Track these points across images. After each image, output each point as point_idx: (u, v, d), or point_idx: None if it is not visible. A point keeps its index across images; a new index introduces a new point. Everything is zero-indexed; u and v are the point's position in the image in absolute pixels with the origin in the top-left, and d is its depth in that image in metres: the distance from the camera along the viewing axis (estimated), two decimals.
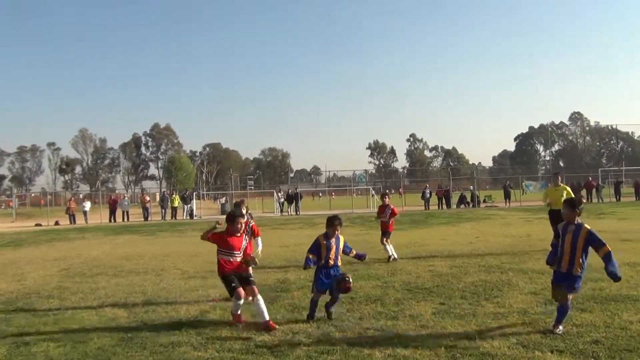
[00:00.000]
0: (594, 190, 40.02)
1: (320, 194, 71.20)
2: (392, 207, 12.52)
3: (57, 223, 34.23)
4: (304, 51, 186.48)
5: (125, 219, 35.19)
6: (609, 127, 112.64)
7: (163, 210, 36.95)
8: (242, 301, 6.59)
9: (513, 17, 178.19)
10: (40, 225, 33.95)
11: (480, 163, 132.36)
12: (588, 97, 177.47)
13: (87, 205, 37.45)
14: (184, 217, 36.22)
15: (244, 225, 7.25)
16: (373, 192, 42.44)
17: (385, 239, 12.33)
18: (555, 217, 11.76)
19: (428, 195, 38.68)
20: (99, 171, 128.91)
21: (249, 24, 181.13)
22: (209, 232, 7.01)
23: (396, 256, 11.95)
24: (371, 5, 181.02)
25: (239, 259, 6.88)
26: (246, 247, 7.09)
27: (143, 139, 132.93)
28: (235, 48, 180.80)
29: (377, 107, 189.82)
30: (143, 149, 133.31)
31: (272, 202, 42.98)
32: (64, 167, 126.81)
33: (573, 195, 11.33)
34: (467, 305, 7.24)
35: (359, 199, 44.29)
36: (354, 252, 7.61)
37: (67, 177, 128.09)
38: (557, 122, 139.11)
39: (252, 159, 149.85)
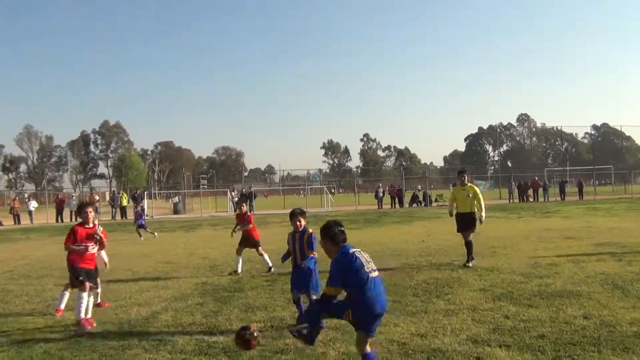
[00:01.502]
0: (540, 190, 41.41)
1: (267, 195, 70.96)
2: (249, 214, 11.07)
3: (0, 223, 32.90)
4: (260, 47, 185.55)
5: (73, 219, 34.12)
6: (554, 129, 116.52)
7: (113, 210, 36.23)
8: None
9: (465, 19, 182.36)
10: (1, 224, 32.57)
11: (432, 163, 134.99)
12: (535, 99, 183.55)
13: (33, 204, 36.16)
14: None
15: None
16: (327, 190, 42.62)
17: (257, 249, 10.72)
18: (462, 220, 10.84)
19: (381, 194, 39.15)
20: (45, 170, 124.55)
21: (201, 18, 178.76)
22: None
23: (272, 268, 10.38)
24: (326, 2, 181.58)
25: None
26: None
27: (92, 136, 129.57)
28: (187, 43, 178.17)
29: (331, 106, 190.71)
30: (92, 147, 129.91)
31: (226, 201, 42.56)
32: (7, 165, 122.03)
33: (480, 195, 10.85)
34: (419, 302, 7.35)
35: (312, 198, 44.36)
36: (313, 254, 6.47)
37: (11, 176, 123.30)
38: (505, 124, 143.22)
39: (205, 157, 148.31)
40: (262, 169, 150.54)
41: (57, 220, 34.14)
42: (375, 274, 4.57)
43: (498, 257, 11.29)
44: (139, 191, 39.82)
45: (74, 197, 38.40)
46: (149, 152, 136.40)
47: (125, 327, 6.65)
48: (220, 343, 5.79)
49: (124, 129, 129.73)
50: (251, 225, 10.84)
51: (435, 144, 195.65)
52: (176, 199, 43.67)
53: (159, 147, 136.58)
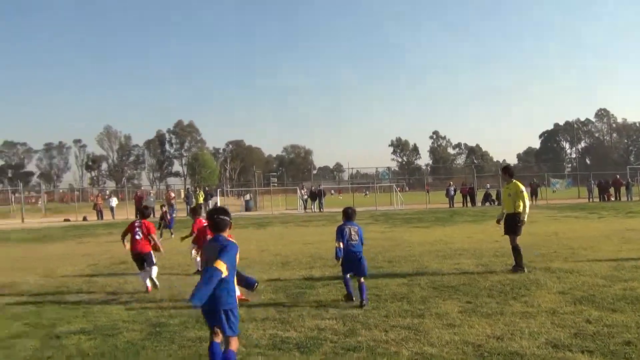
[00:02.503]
0: (622, 189, 39.31)
1: (334, 192, 71.10)
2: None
3: (85, 219, 34.80)
4: (327, 48, 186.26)
5: (152, 215, 35.54)
6: (637, 124, 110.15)
7: (188, 207, 37.32)
8: None
9: (538, 13, 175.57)
10: (68, 220, 34.52)
11: (504, 160, 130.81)
12: (614, 94, 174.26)
13: (114, 201, 37.99)
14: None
15: None
16: (395, 188, 42.27)
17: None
18: (505, 221, 9.99)
19: (452, 192, 38.39)
20: (125, 168, 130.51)
21: (273, 18, 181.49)
22: None
23: None
24: (395, 3, 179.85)
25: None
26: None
27: (167, 136, 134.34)
28: (257, 46, 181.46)
29: (400, 104, 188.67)
30: (167, 146, 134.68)
31: (296, 199, 43.05)
32: (90, 163, 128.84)
33: (524, 189, 9.88)
34: (495, 304, 7.17)
35: (381, 197, 44.14)
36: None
37: (93, 174, 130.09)
38: (582, 119, 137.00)
39: (274, 156, 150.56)
40: (331, 167, 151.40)
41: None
42: None
43: (578, 259, 10.81)
44: (208, 188, 40.94)
45: (152, 194, 39.95)
46: (221, 151, 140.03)
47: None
48: (294, 339, 5.88)
49: (197, 128, 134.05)
50: None
51: (508, 141, 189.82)
52: (247, 197, 44.55)
53: (230, 146, 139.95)
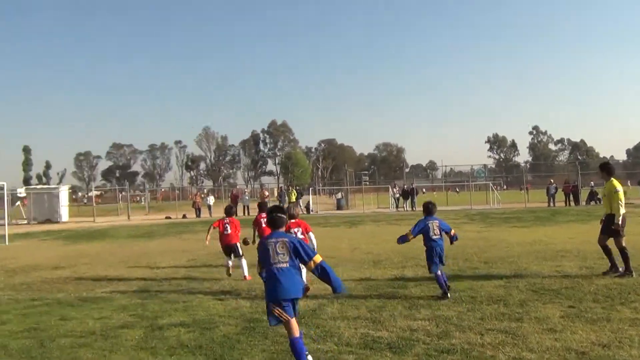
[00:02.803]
0: None
1: (425, 190, 69.74)
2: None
3: (184, 216, 36.55)
4: (418, 43, 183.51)
5: (246, 213, 36.64)
6: None
7: (281, 205, 38.25)
8: None
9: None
10: (169, 218, 36.42)
11: (612, 157, 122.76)
12: None
13: (211, 199, 39.63)
14: (300, 212, 37.17)
15: None
16: (492, 187, 40.90)
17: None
18: (604, 222, 9.44)
19: (553, 191, 36.53)
20: (221, 167, 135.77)
21: (360, 19, 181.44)
22: None
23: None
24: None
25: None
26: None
27: (261, 136, 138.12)
28: (352, 44, 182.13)
29: (496, 98, 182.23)
30: (261, 145, 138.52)
31: (387, 197, 42.83)
32: (189, 163, 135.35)
33: (619, 189, 9.10)
34: (600, 309, 6.75)
35: (477, 195, 42.88)
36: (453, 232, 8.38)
37: (192, 173, 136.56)
38: None
39: (366, 154, 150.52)
40: (424, 164, 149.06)
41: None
42: (282, 265, 4.96)
43: None
44: (298, 187, 41.67)
45: (247, 193, 41.21)
46: (313, 150, 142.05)
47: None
48: (385, 339, 5.85)
49: (289, 128, 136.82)
50: None
51: (616, 135, 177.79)
52: (339, 195, 44.87)
53: (322, 145, 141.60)
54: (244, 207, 36.92)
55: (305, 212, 36.81)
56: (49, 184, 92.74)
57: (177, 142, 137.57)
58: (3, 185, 24.60)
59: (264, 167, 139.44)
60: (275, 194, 51.88)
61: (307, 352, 4.91)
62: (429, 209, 8.21)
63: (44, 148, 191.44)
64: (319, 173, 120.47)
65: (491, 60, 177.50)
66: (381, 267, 10.97)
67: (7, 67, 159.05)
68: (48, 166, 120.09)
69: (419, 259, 11.27)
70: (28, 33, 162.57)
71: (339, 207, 41.22)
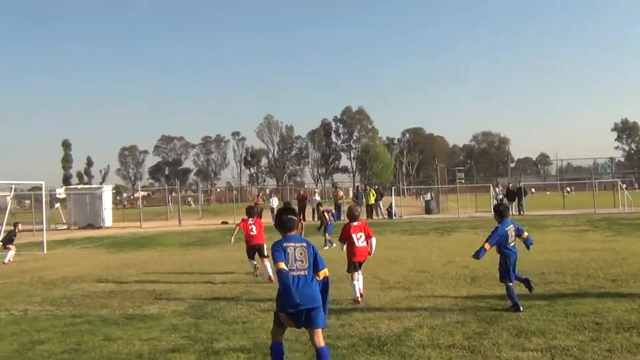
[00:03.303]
0: None
1: (534, 191, 67.78)
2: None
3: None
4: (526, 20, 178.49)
5: (316, 218, 36.72)
6: None
7: (359, 204, 38.16)
8: None
9: None
10: (226, 223, 37.18)
11: None
12: None
13: (275, 201, 40.10)
14: (379, 217, 36.99)
15: None
16: (621, 185, 39.20)
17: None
18: None
19: None
20: (286, 163, 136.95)
21: None
22: None
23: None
24: None
25: None
26: None
27: (333, 125, 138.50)
28: (438, 21, 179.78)
29: (624, 75, 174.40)
30: (333, 136, 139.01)
31: (488, 198, 41.94)
32: (249, 158, 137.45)
33: None
34: None
35: (601, 195, 41.24)
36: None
37: (252, 170, 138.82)
38: None
39: (461, 146, 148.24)
40: (534, 158, 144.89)
41: (299, 219, 37.18)
42: (300, 273, 5.48)
43: None
44: (378, 187, 41.39)
45: (316, 193, 41.45)
46: (396, 141, 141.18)
47: (375, 342, 6.97)
48: None
49: (367, 115, 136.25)
50: None
51: None
52: (428, 196, 44.38)
53: (407, 135, 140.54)
54: (313, 210, 36.91)
55: (386, 217, 36.66)
56: (90, 184, 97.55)
57: (235, 134, 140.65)
58: (41, 184, 25.98)
59: (336, 162, 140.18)
60: (351, 194, 52.02)
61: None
62: (503, 213, 8.74)
63: (85, 142, 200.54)
64: (403, 169, 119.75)
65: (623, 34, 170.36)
66: (480, 285, 10.76)
67: (44, 53, 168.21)
68: (89, 163, 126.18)
69: (530, 274, 10.96)
70: (73, 25, 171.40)
71: (427, 211, 40.74)
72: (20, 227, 21.01)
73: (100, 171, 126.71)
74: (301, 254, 5.52)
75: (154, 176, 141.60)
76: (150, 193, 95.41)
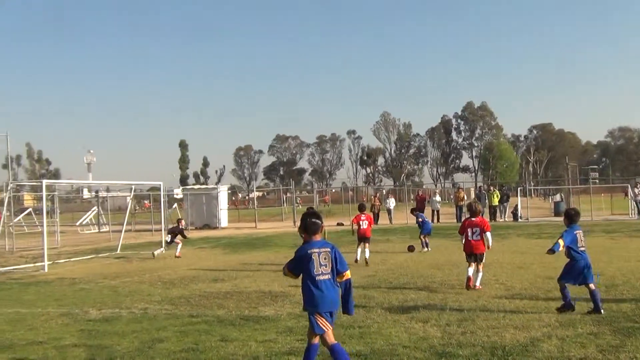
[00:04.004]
0: None
1: None
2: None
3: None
4: None
5: (436, 220, 36.23)
6: None
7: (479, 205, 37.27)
8: None
9: None
10: (342, 224, 37.48)
11: None
12: None
13: (392, 202, 40.03)
14: (504, 219, 36.08)
15: None
16: None
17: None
18: None
19: None
20: (404, 162, 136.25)
21: None
22: None
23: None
24: None
25: None
26: None
27: (454, 122, 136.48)
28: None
29: None
30: (454, 134, 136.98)
31: (626, 200, 39.88)
32: (365, 158, 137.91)
33: None
34: None
35: None
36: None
37: (368, 170, 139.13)
38: None
39: (595, 143, 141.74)
40: None
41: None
42: (325, 277, 5.89)
43: None
44: (505, 187, 40.21)
45: (437, 194, 40.96)
46: (522, 138, 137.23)
47: (499, 352, 6.83)
48: None
49: (491, 111, 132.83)
50: None
51: None
52: (557, 197, 42.85)
53: (534, 132, 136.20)
54: (432, 212, 36.53)
55: (511, 219, 35.70)
56: (206, 184, 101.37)
57: (350, 133, 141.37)
58: (159, 185, 27.31)
59: (457, 161, 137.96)
60: (472, 195, 51.08)
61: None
62: (573, 218, 9.16)
63: (202, 142, 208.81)
64: (530, 168, 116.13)
65: None
66: (617, 293, 10.36)
67: (160, 55, 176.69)
68: (205, 163, 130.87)
69: None
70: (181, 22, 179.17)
71: (557, 213, 39.24)
72: (183, 223, 22.32)
73: (216, 171, 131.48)
74: (325, 258, 5.91)
75: (268, 176, 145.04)
76: (265, 193, 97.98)
